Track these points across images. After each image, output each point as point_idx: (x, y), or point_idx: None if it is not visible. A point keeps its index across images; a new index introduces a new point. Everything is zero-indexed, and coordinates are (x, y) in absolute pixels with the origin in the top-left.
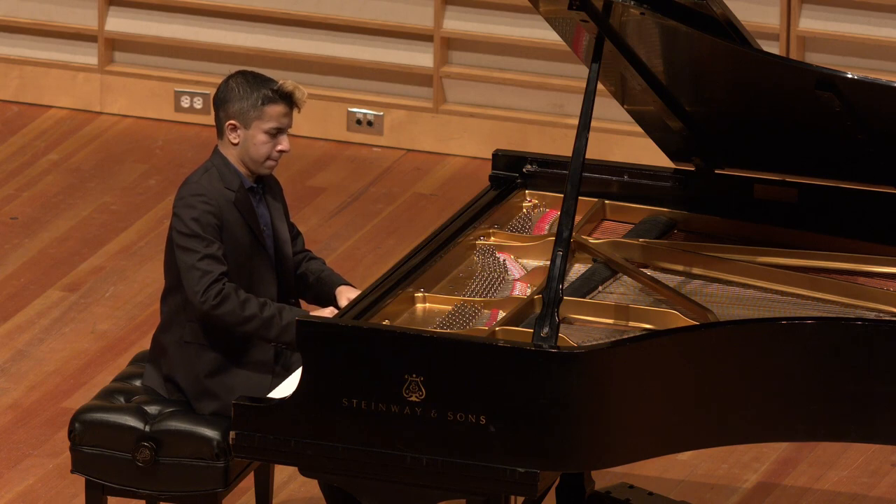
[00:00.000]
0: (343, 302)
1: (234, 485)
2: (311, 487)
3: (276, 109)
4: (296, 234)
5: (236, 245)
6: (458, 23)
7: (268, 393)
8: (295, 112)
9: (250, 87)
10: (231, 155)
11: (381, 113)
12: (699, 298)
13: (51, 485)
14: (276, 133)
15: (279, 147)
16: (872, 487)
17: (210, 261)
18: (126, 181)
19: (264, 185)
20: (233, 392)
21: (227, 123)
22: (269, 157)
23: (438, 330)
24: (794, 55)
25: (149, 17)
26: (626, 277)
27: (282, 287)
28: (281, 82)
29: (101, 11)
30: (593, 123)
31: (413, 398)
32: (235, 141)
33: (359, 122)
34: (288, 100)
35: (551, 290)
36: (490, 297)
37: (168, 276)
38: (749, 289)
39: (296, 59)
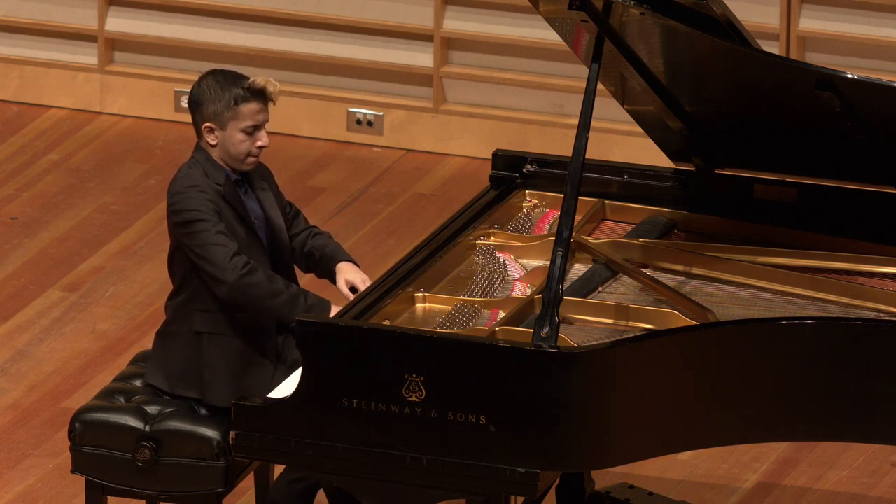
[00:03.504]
0: (341, 281)
1: (234, 485)
2: None
3: (250, 107)
4: (295, 214)
5: (232, 236)
6: (458, 23)
7: (273, 387)
8: (294, 112)
9: (222, 88)
10: (212, 152)
11: (381, 113)
12: (699, 298)
13: (51, 485)
14: (252, 130)
15: (258, 143)
16: (872, 487)
17: (224, 236)
18: (126, 181)
19: (249, 179)
20: (242, 383)
21: (203, 126)
22: (249, 154)
23: (438, 330)
24: (794, 55)
25: (149, 17)
26: (626, 277)
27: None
28: (252, 79)
29: (101, 11)
30: (593, 123)
31: (413, 398)
32: (214, 142)
33: (359, 122)
34: (261, 96)
35: (551, 290)
36: (490, 297)
37: (174, 277)
38: (749, 289)
39: (296, 59)
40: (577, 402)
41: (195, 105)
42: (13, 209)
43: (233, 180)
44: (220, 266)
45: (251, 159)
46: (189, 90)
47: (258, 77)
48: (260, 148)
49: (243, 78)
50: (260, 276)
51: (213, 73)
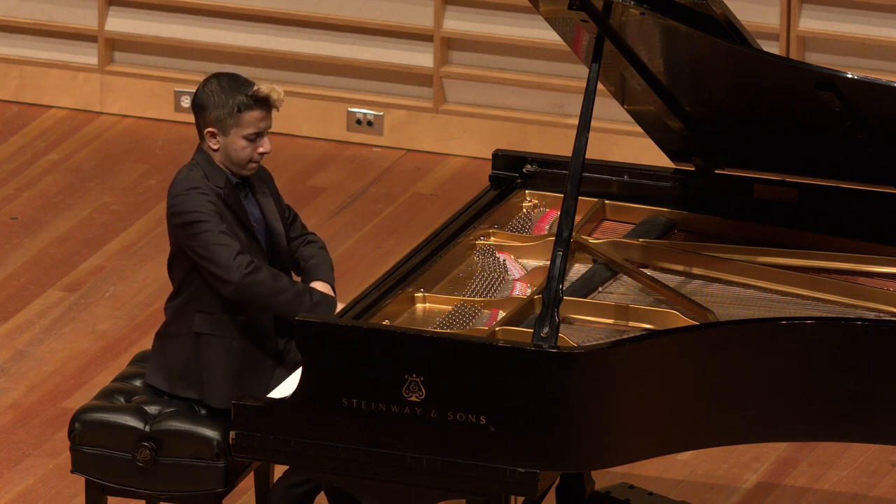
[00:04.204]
0: None
1: (234, 485)
2: None
3: (254, 115)
4: (293, 218)
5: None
6: (458, 23)
7: (273, 388)
8: (294, 112)
9: (226, 95)
10: (213, 155)
11: (381, 113)
12: (699, 298)
13: (51, 485)
14: (255, 137)
15: (260, 149)
16: (872, 487)
17: (227, 236)
18: (126, 181)
19: (250, 182)
20: (241, 384)
21: (205, 130)
22: (250, 160)
23: (438, 330)
24: (794, 55)
25: (149, 17)
26: (626, 277)
27: None
28: (256, 87)
29: (101, 11)
30: (593, 123)
31: (413, 398)
32: (216, 147)
33: (359, 122)
34: (264, 104)
35: (551, 290)
36: (490, 297)
37: (175, 278)
38: (749, 289)
39: (296, 59)
40: (577, 402)
41: (198, 109)
42: (13, 209)
43: (233, 183)
44: (225, 266)
45: (252, 165)
46: (189, 90)
47: (262, 84)
48: (261, 154)
49: (248, 84)
50: (264, 274)
51: (217, 77)
